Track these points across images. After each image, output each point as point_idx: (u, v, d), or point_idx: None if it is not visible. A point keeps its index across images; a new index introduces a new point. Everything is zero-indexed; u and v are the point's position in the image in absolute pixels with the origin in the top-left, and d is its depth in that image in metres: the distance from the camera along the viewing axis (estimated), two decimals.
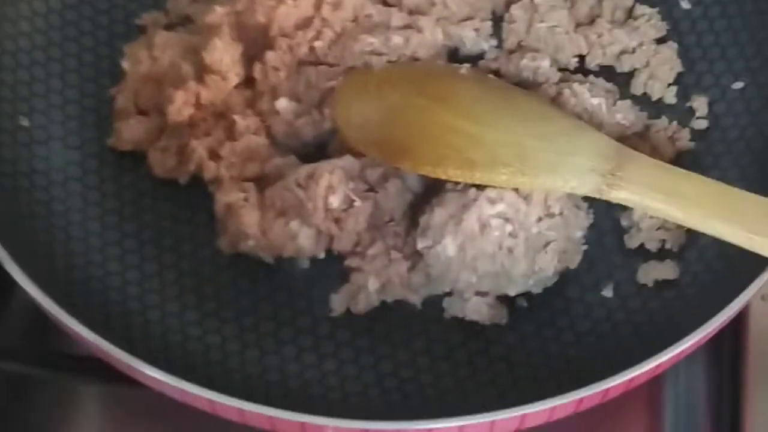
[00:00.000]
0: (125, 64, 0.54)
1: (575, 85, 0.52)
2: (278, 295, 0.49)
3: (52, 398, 0.50)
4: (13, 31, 0.53)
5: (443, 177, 0.47)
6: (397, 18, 0.53)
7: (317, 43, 0.52)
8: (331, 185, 0.47)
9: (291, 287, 0.49)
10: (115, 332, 0.44)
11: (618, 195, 0.45)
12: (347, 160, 0.49)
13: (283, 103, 0.51)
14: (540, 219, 0.46)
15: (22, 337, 0.50)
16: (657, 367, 0.41)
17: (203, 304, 0.48)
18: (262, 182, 0.50)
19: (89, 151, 0.52)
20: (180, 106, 0.51)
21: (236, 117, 0.50)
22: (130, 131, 0.52)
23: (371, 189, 0.48)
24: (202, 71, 0.52)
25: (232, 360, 0.46)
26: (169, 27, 0.56)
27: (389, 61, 0.52)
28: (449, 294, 0.48)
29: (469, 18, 0.55)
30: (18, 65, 0.53)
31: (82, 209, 0.50)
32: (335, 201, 0.47)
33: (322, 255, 0.49)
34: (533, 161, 0.46)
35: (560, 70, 0.54)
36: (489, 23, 0.55)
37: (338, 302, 0.48)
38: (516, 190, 0.46)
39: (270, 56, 0.52)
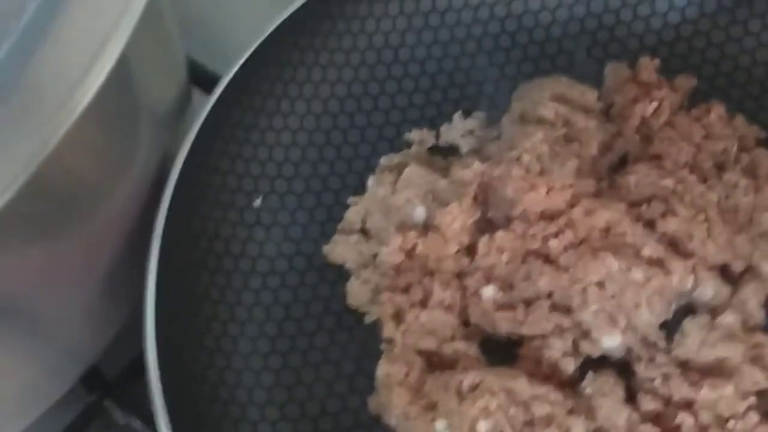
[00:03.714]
0: (370, 182, 0.51)
1: None
2: None
3: None
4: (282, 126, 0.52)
5: None
6: (651, 247, 0.45)
7: (553, 242, 0.46)
8: (488, 408, 0.41)
9: None
10: None
11: None
12: (521, 383, 0.42)
13: (489, 292, 0.46)
14: None
15: None
16: None
17: None
18: (433, 358, 0.45)
19: (304, 250, 0.50)
20: (394, 250, 0.47)
21: (436, 286, 0.46)
22: (347, 247, 0.49)
23: (531, 423, 0.42)
24: (431, 220, 0.48)
25: None
26: (433, 149, 0.53)
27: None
28: None
29: (724, 264, 0.46)
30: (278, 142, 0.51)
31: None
32: (483, 427, 0.41)
33: None
34: None
35: None
36: None
37: None
38: None
39: (500, 236, 0.46)
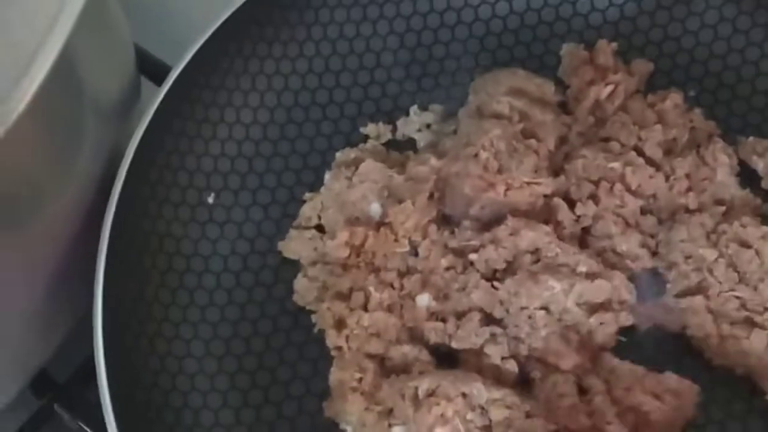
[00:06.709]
0: (327, 176, 0.48)
1: None
2: None
3: None
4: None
5: None
6: (585, 264, 0.43)
7: (473, 255, 0.43)
8: (444, 416, 0.39)
9: None
10: None
11: None
12: (477, 387, 0.40)
13: (423, 301, 0.43)
14: None
15: None
16: None
17: None
18: (386, 362, 0.43)
19: (258, 248, 0.47)
20: (340, 244, 0.45)
21: (372, 289, 0.44)
22: (301, 242, 0.47)
23: (488, 428, 0.40)
24: (386, 216, 0.45)
25: None
26: (390, 143, 0.50)
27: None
28: None
29: None
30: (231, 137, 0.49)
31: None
32: None
33: None
34: None
35: None
36: None
37: None
38: None
39: (434, 234, 0.44)
